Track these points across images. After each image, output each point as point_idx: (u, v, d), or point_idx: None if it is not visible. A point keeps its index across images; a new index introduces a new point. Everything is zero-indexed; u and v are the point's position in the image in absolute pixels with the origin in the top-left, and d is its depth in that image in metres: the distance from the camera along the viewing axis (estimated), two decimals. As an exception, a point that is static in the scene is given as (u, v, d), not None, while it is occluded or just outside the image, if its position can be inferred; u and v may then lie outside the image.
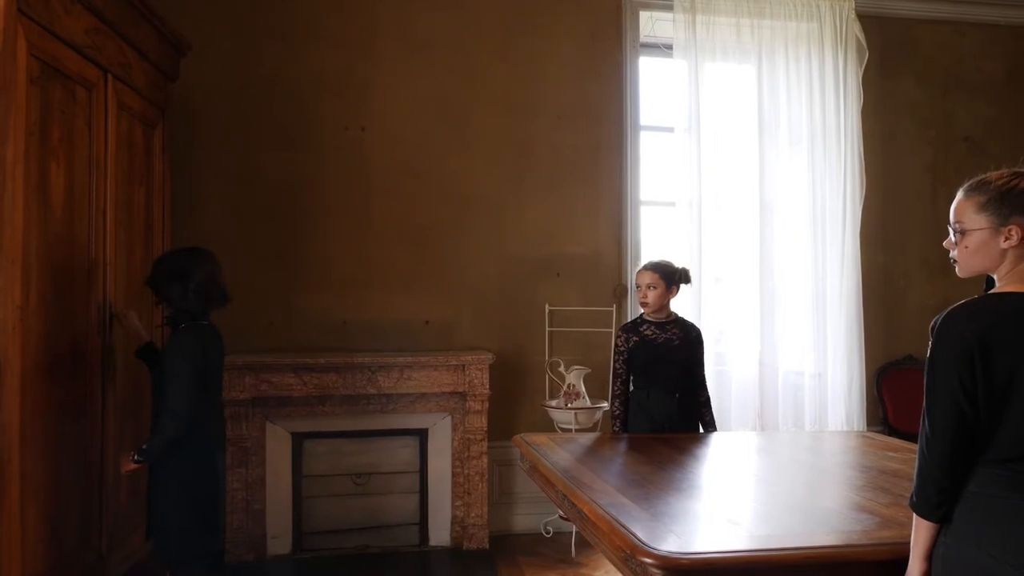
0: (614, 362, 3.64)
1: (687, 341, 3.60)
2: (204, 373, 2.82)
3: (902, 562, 1.82)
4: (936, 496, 1.72)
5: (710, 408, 3.66)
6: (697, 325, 3.77)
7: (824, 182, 5.03)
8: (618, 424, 3.57)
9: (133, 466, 2.80)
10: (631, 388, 3.61)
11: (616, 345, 3.64)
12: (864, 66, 5.09)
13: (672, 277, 3.57)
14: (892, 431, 4.90)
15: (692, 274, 3.84)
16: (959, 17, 5.41)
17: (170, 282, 2.85)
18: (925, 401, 1.74)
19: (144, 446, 2.77)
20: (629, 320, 3.83)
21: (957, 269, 1.87)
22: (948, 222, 1.87)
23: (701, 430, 3.63)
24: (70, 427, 2.94)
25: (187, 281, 2.83)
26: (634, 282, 3.76)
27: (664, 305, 3.59)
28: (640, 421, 3.55)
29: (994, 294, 1.78)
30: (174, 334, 2.87)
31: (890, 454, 3.08)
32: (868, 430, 4.81)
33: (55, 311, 2.82)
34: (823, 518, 2.26)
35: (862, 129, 5.06)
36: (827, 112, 5.03)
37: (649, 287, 3.55)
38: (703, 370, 3.68)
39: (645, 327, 3.59)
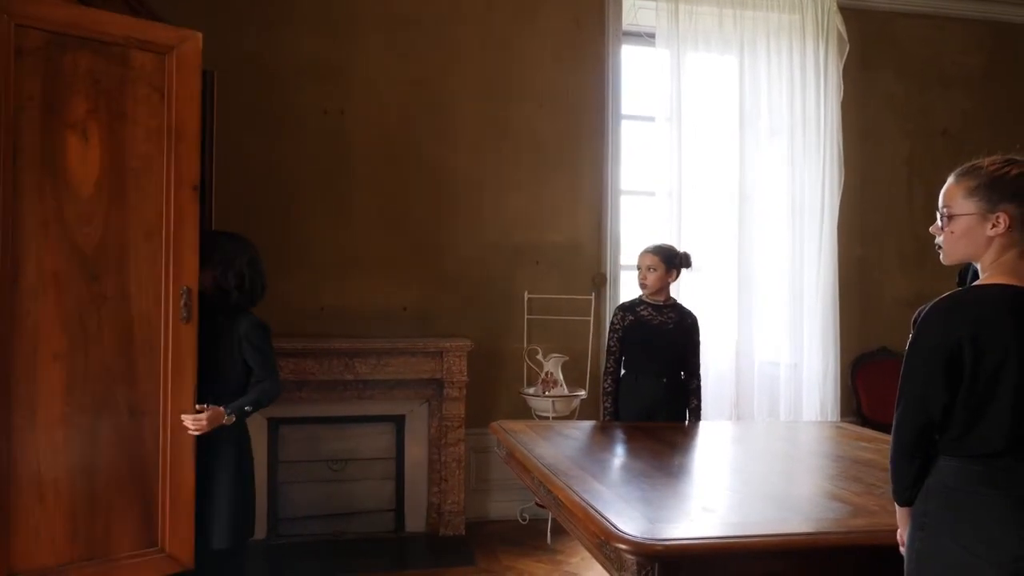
0: (608, 339, 3.69)
1: (681, 327, 3.62)
2: None
3: (873, 549, 1.84)
4: (900, 481, 1.75)
5: (699, 395, 3.67)
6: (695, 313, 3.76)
7: (803, 174, 5.05)
8: (608, 401, 3.60)
9: (225, 419, 2.82)
10: (622, 371, 3.64)
11: (612, 323, 3.69)
12: (845, 59, 5.11)
13: (672, 260, 3.62)
14: (866, 422, 4.95)
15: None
16: (938, 11, 5.45)
17: (251, 273, 2.93)
18: (899, 390, 1.73)
19: (247, 407, 2.85)
20: (628, 300, 3.83)
21: (941, 255, 1.83)
22: (936, 207, 1.82)
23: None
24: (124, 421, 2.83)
25: (256, 274, 2.96)
26: (636, 264, 3.75)
27: (663, 288, 3.62)
28: (627, 404, 3.58)
29: (978, 287, 1.74)
30: (248, 318, 2.93)
31: (863, 444, 3.12)
32: (842, 420, 4.87)
33: (72, 293, 2.72)
34: (796, 506, 2.29)
35: (841, 121, 5.08)
36: (807, 104, 5.04)
37: (649, 269, 3.59)
38: (697, 357, 3.69)
39: (642, 308, 3.62)
